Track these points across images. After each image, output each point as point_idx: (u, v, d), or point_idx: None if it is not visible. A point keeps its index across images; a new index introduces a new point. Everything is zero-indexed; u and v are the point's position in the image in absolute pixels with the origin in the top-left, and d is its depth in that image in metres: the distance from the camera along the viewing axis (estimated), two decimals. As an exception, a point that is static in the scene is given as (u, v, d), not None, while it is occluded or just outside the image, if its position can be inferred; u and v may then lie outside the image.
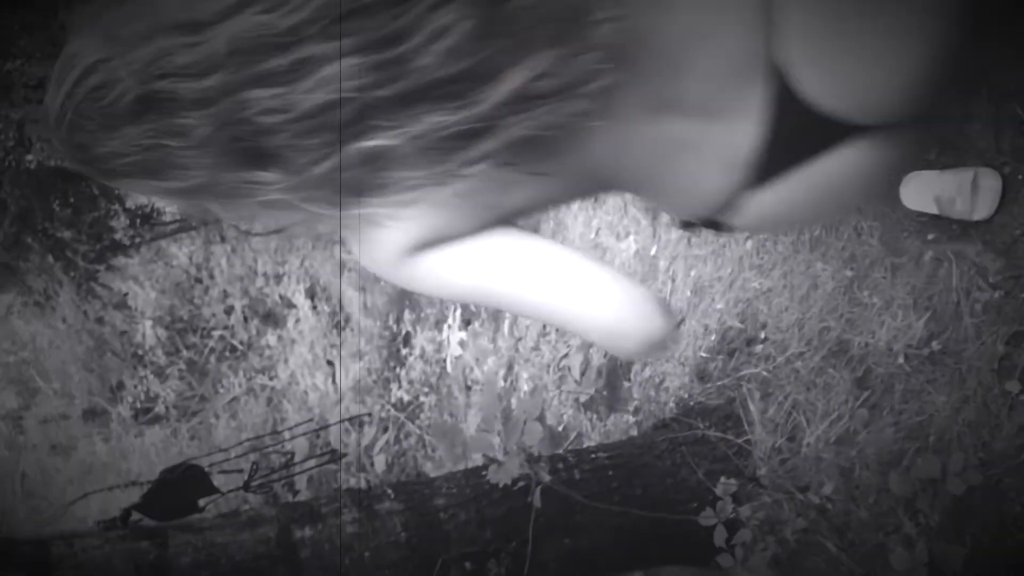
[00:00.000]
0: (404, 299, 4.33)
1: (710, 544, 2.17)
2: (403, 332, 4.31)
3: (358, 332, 4.53)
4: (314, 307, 4.92)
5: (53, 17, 2.80)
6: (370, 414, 4.29)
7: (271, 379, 5.10)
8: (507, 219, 0.87)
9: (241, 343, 5.33)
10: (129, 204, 4.04)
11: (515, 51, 0.69)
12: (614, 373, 3.07)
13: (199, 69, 0.67)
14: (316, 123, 0.68)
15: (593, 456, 2.52)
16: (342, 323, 4.70)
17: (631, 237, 3.10)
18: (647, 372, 2.95)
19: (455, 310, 4.00)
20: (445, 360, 4.05)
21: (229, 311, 5.38)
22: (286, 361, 5.02)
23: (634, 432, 2.91)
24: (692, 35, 0.77)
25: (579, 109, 0.72)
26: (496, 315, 3.76)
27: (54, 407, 6.34)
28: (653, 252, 3.00)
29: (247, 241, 5.03)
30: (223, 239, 5.27)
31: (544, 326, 3.43)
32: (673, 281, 2.90)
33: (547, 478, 2.20)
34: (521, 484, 2.21)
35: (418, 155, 0.70)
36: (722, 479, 2.28)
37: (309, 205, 0.72)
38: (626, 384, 3.04)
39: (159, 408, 5.60)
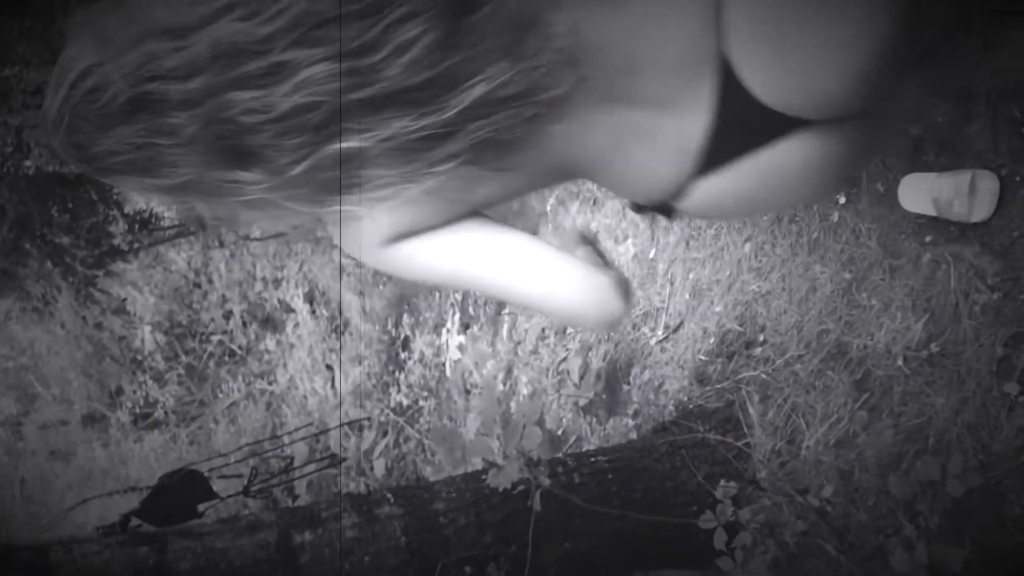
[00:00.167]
0: (403, 303, 4.33)
1: (710, 547, 2.16)
2: (402, 336, 4.31)
3: (357, 336, 4.53)
4: (313, 311, 4.91)
5: (51, 24, 2.81)
6: (369, 418, 4.29)
7: (270, 384, 5.10)
8: (475, 211, 0.94)
9: (240, 348, 5.32)
10: (127, 209, 4.04)
11: (476, 61, 0.74)
12: (613, 377, 3.07)
13: (185, 72, 0.71)
14: (294, 124, 0.72)
15: (592, 460, 2.52)
16: (341, 327, 4.70)
17: (629, 240, 3.10)
18: (646, 375, 2.95)
19: (454, 314, 4.00)
20: (444, 364, 4.04)
21: (228, 316, 5.37)
22: (285, 366, 5.02)
23: (633, 435, 2.91)
24: (645, 31, 0.81)
25: (537, 113, 0.79)
26: (495, 319, 3.76)
27: (53, 413, 6.34)
28: (652, 255, 3.00)
29: (245, 246, 5.03)
30: (222, 244, 5.27)
31: (543, 330, 3.43)
32: (672, 284, 2.90)
33: (547, 482, 2.21)
34: (521, 488, 2.21)
35: (389, 156, 0.76)
36: (722, 482, 2.28)
37: (291, 204, 0.78)
38: (625, 387, 3.03)
39: (158, 413, 5.60)
